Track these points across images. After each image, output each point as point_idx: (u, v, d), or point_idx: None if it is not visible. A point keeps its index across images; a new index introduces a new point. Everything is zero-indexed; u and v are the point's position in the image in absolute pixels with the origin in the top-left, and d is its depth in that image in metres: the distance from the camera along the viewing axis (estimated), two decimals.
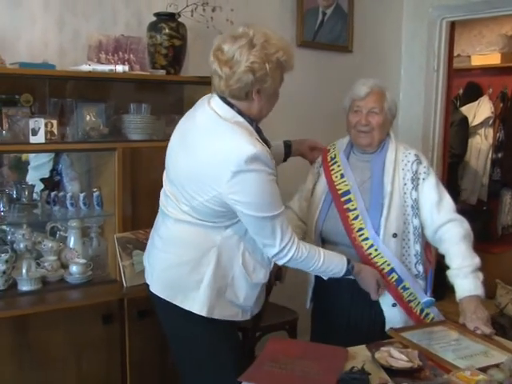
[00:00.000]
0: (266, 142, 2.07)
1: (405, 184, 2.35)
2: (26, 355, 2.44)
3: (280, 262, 2.08)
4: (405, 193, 2.35)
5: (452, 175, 5.27)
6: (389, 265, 2.31)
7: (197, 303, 2.06)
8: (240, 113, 2.00)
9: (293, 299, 3.56)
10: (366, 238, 2.31)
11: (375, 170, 2.38)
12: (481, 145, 5.71)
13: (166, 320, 2.21)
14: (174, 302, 2.10)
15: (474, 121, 5.69)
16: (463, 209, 5.56)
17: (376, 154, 2.41)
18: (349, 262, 2.17)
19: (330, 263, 2.13)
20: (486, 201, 5.79)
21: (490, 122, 5.70)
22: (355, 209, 2.34)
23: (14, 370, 2.42)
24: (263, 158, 1.91)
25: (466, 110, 5.77)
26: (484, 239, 5.48)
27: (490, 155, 5.72)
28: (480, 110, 5.71)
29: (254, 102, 2.00)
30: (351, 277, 2.21)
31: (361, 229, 2.32)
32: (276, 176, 2.01)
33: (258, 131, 2.05)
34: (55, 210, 2.83)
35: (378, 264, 2.31)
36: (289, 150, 2.63)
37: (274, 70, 1.96)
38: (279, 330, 3.29)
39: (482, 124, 5.69)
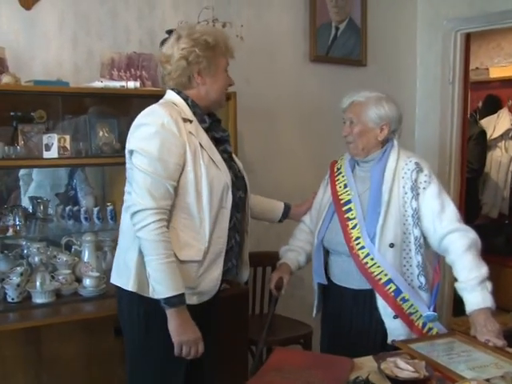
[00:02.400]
0: (202, 118, 2.17)
1: (405, 193, 2.34)
2: (38, 366, 2.47)
3: (136, 227, 2.00)
4: (405, 202, 2.33)
5: (472, 190, 5.21)
6: (386, 275, 2.29)
7: (130, 279, 2.09)
8: (179, 93, 2.18)
9: (303, 312, 3.57)
10: (363, 247, 2.31)
11: (374, 179, 2.38)
12: (501, 158, 5.64)
13: (118, 307, 2.26)
14: (116, 283, 2.18)
15: (494, 133, 5.64)
16: (484, 223, 5.57)
17: (376, 162, 2.41)
18: (182, 296, 2.01)
19: (170, 272, 1.99)
20: (507, 214, 5.71)
21: (510, 134, 5.64)
22: (354, 218, 2.35)
23: (27, 381, 2.45)
24: (160, 113, 2.05)
25: (485, 122, 5.73)
26: (506, 253, 5.42)
27: (510, 168, 5.65)
28: (500, 123, 5.66)
29: (199, 85, 2.17)
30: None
31: (358, 237, 2.32)
32: (178, 142, 2.03)
33: (195, 106, 2.16)
34: (70, 225, 2.90)
35: (375, 274, 2.30)
36: (288, 211, 2.67)
37: (205, 51, 2.13)
38: (294, 344, 3.29)
39: (502, 136, 5.64)
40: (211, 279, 2.16)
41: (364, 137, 2.41)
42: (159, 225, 1.99)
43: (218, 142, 2.22)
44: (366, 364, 1.94)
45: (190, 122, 2.11)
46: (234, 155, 2.33)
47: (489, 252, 2.35)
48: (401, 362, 1.86)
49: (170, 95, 2.19)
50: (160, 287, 2.00)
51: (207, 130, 2.17)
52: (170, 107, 2.10)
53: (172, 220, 2.08)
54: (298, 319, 3.50)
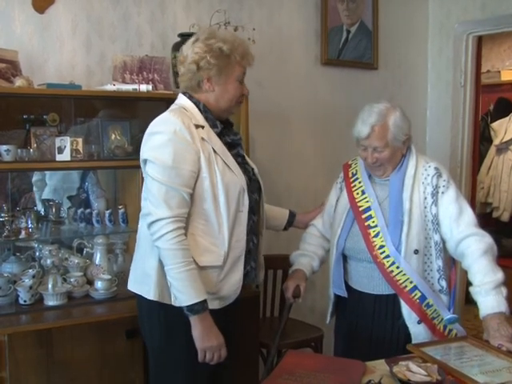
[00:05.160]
0: (214, 123, 2.15)
1: (425, 198, 2.32)
2: (50, 369, 2.47)
3: (152, 237, 2.02)
4: (425, 207, 2.32)
5: None
6: (411, 282, 2.28)
7: (151, 288, 2.10)
8: (191, 97, 2.17)
9: (314, 315, 3.56)
10: (388, 256, 2.28)
11: (393, 187, 2.35)
12: None
13: (138, 314, 2.27)
14: (136, 291, 2.20)
15: (506, 136, 5.61)
16: (496, 227, 5.53)
17: (395, 171, 2.38)
18: (204, 302, 2.02)
19: (191, 280, 2.00)
20: None
21: None
22: (376, 226, 2.32)
23: (39, 383, 2.46)
24: (172, 121, 2.04)
25: (496, 125, 5.71)
26: None
27: None
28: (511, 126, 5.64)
29: (208, 92, 2.16)
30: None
31: (382, 246, 2.30)
32: (192, 149, 2.03)
33: (207, 111, 2.16)
34: (82, 227, 2.91)
35: (401, 282, 2.28)
36: (292, 219, 2.65)
37: (217, 59, 2.11)
38: (305, 347, 3.29)
39: None
40: (232, 283, 2.16)
41: (393, 158, 2.34)
42: (176, 233, 2.00)
43: (231, 147, 2.21)
44: (379, 367, 1.94)
45: (202, 127, 2.11)
46: (247, 158, 2.32)
47: (500, 256, 2.35)
48: (413, 366, 1.86)
49: (182, 100, 2.19)
50: (181, 295, 2.01)
51: (219, 135, 2.17)
52: (182, 114, 2.09)
53: (190, 226, 2.08)
54: (308, 322, 3.50)
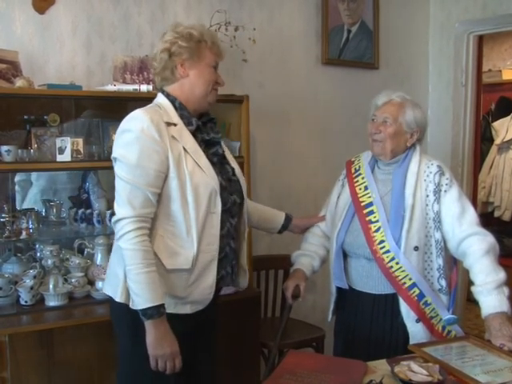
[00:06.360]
0: (189, 121, 2.10)
1: (427, 196, 2.32)
2: (51, 369, 2.48)
3: (116, 236, 1.97)
4: (427, 205, 2.32)
5: None
6: (410, 279, 2.27)
7: (118, 290, 2.04)
8: (168, 95, 2.12)
9: (315, 315, 3.56)
10: (387, 251, 2.28)
11: (396, 182, 2.35)
12: None
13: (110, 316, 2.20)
14: (107, 293, 2.13)
15: (507, 136, 5.60)
16: (498, 226, 5.53)
17: (398, 165, 2.39)
18: (161, 307, 1.92)
19: (148, 282, 1.91)
20: None
21: None
22: (377, 221, 2.32)
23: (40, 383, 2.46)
24: (140, 118, 1.98)
25: (498, 124, 5.70)
26: None
27: None
28: None
29: (182, 78, 2.10)
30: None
31: (382, 241, 2.29)
32: (160, 148, 1.96)
33: (182, 109, 2.10)
34: (82, 228, 2.91)
35: (400, 278, 2.28)
36: (288, 223, 2.58)
37: (188, 42, 2.07)
38: (306, 347, 3.29)
39: None
40: (204, 287, 2.07)
41: (395, 139, 2.36)
42: (137, 233, 1.92)
43: (209, 145, 2.15)
44: (380, 367, 1.93)
45: (175, 125, 2.05)
46: (229, 158, 2.24)
47: (502, 255, 2.34)
48: (414, 366, 1.85)
49: (159, 98, 2.13)
50: (137, 298, 1.92)
51: (195, 133, 2.10)
52: (153, 111, 2.03)
53: (158, 228, 2.01)
54: (310, 322, 3.50)
